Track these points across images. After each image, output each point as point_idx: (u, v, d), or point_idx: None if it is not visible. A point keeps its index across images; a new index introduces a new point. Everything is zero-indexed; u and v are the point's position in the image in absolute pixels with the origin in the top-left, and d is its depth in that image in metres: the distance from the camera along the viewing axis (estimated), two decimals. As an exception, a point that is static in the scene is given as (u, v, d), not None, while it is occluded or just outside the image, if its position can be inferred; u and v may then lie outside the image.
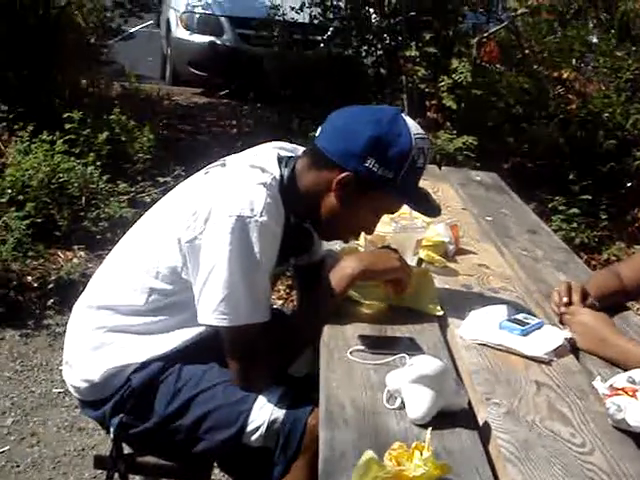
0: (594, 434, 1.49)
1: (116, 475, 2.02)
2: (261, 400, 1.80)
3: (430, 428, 1.32)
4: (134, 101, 6.93)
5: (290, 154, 1.95)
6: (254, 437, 1.80)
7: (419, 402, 1.43)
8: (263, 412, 1.79)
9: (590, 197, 5.43)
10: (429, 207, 1.95)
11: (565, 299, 1.97)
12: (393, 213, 2.02)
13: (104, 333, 1.92)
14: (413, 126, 1.84)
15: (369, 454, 1.20)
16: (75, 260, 4.45)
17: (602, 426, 1.52)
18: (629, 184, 5.79)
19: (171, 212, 1.90)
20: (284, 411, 1.78)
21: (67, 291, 3.98)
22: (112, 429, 1.92)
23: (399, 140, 1.80)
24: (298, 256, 2.10)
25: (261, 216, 1.73)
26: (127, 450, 2.01)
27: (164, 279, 1.85)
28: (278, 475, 1.82)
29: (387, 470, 1.18)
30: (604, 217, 5.47)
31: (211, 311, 1.75)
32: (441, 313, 1.97)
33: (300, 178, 1.88)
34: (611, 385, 1.57)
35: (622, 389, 1.54)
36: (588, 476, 1.34)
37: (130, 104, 6.52)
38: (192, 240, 1.77)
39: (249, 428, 1.80)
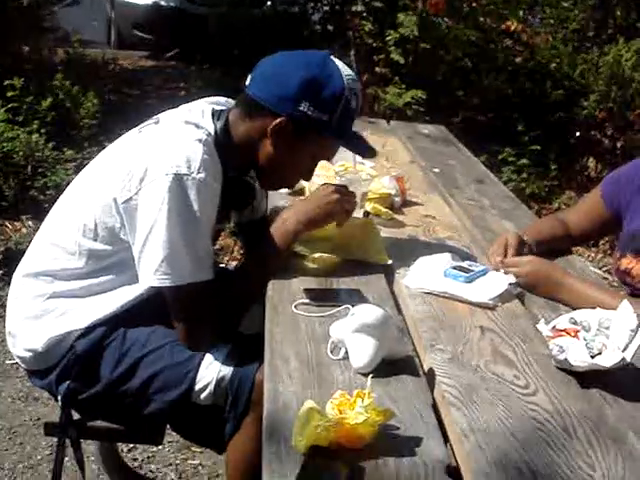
0: (537, 375, 1.50)
1: (68, 442, 2.00)
2: (208, 358, 1.80)
3: (371, 375, 1.32)
4: (79, 67, 6.79)
5: (224, 108, 1.92)
6: (203, 395, 1.79)
7: (362, 351, 1.43)
8: (210, 370, 1.79)
9: (539, 147, 5.49)
10: (364, 148, 1.98)
11: (499, 258, 1.98)
12: (330, 158, 2.00)
13: (44, 301, 1.89)
14: (343, 68, 1.84)
15: (309, 403, 1.19)
16: (24, 230, 4.38)
17: (545, 368, 1.53)
18: (577, 133, 5.85)
19: (105, 172, 1.86)
20: (231, 368, 1.78)
21: (16, 262, 3.87)
22: (60, 396, 1.90)
23: (331, 81, 1.80)
24: (240, 210, 2.08)
25: (198, 173, 1.70)
26: (77, 417, 1.99)
27: (102, 240, 1.82)
28: (230, 432, 1.82)
29: (328, 418, 1.17)
30: (554, 167, 5.54)
31: (152, 272, 1.72)
32: (390, 262, 1.97)
33: (234, 129, 1.86)
34: (554, 327, 1.59)
35: (564, 330, 1.56)
36: (531, 416, 1.36)
37: (75, 70, 6.39)
38: (128, 200, 1.74)
39: (197, 387, 1.79)
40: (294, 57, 1.86)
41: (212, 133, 1.82)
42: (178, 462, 2.78)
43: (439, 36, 5.62)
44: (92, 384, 1.88)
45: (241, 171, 1.94)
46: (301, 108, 1.78)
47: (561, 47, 6.15)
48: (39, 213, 4.57)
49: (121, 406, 1.90)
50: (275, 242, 1.88)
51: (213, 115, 1.87)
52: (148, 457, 2.79)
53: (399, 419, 1.29)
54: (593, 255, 4.79)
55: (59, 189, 4.56)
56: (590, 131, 5.83)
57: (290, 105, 1.78)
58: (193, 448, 2.80)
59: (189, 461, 2.79)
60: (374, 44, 5.46)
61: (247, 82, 1.86)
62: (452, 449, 1.30)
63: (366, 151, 2.00)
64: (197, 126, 1.81)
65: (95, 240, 1.83)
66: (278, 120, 1.79)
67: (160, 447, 2.77)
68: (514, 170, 5.32)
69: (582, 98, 5.81)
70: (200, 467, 2.77)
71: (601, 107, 5.73)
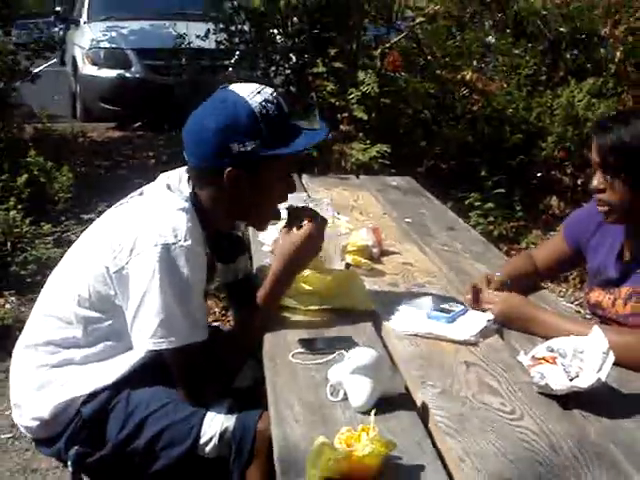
0: (522, 401, 1.63)
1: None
2: (211, 413, 1.88)
3: (374, 411, 1.44)
4: (48, 141, 6.91)
5: None
6: (208, 448, 1.87)
7: (360, 391, 1.55)
8: (214, 423, 1.87)
9: (503, 190, 5.65)
10: (314, 132, 2.05)
11: (469, 297, 2.11)
12: (293, 169, 2.04)
13: (48, 370, 1.97)
14: (243, 89, 1.89)
15: (320, 439, 1.30)
16: (7, 306, 4.43)
17: (529, 394, 1.66)
18: (539, 174, 6.05)
19: (97, 243, 1.95)
20: (234, 420, 1.86)
21: (2, 338, 3.95)
22: (69, 462, 1.96)
23: (239, 111, 1.86)
24: (234, 262, 2.18)
25: (185, 241, 1.81)
26: (87, 480, 2.06)
27: (97, 308, 1.91)
28: None
29: (338, 452, 1.28)
30: (518, 208, 5.70)
31: (149, 336, 1.81)
32: (373, 307, 2.09)
33: (201, 199, 1.96)
34: (533, 356, 1.71)
35: (543, 358, 1.68)
36: (520, 438, 1.48)
37: (45, 145, 6.49)
38: (119, 270, 1.84)
39: (202, 440, 1.87)
40: (200, 112, 1.94)
41: (190, 198, 1.94)
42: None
43: (398, 91, 5.82)
44: (100, 447, 1.95)
45: (224, 227, 2.06)
46: (234, 151, 1.86)
47: (516, 92, 6.37)
48: (21, 288, 4.63)
49: (129, 466, 1.96)
50: (265, 297, 1.99)
51: (188, 180, 1.98)
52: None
53: (400, 450, 1.40)
54: (564, 290, 4.94)
55: (40, 263, 4.63)
56: (550, 171, 6.03)
57: (223, 155, 1.87)
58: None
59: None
60: (337, 103, 5.62)
61: (185, 156, 1.97)
62: (450, 475, 1.41)
63: (318, 133, 2.07)
64: (179, 194, 1.93)
65: (90, 309, 1.92)
66: (225, 173, 1.88)
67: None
68: (481, 214, 5.48)
69: (540, 140, 6.00)
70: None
71: (559, 147, 5.93)
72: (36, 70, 9.31)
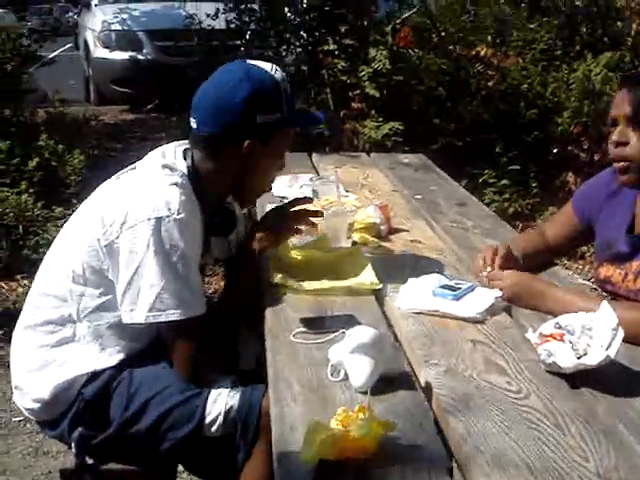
0: (529, 380, 1.58)
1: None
2: (214, 392, 1.87)
3: (369, 391, 1.40)
4: (61, 125, 6.90)
5: (189, 147, 2.03)
6: (214, 428, 1.86)
7: (360, 370, 1.51)
8: (218, 403, 1.85)
9: (518, 167, 5.58)
10: (317, 114, 2.24)
11: (489, 268, 2.05)
12: (290, 143, 2.08)
13: (47, 350, 1.96)
14: (264, 65, 1.96)
15: (315, 420, 1.27)
16: (20, 289, 4.43)
17: (536, 372, 1.61)
18: (555, 150, 5.96)
19: (88, 219, 1.94)
20: (238, 398, 1.85)
21: (15, 321, 3.93)
22: (73, 443, 1.95)
23: (265, 84, 1.91)
24: (227, 236, 2.16)
25: (179, 214, 1.81)
26: (91, 462, 2.04)
27: (91, 283, 1.90)
28: (241, 461, 1.88)
29: (334, 432, 1.25)
30: (534, 185, 5.63)
31: (146, 310, 1.80)
32: (380, 286, 2.04)
33: (202, 169, 1.96)
34: (540, 333, 1.66)
35: (551, 335, 1.64)
36: (525, 417, 1.43)
37: (57, 129, 6.49)
38: (110, 244, 1.83)
39: (207, 420, 1.86)
40: (220, 82, 1.96)
41: (185, 173, 1.93)
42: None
43: (411, 67, 5.74)
44: (104, 428, 1.94)
45: (219, 201, 2.06)
46: (258, 121, 1.90)
47: (531, 68, 6.28)
48: (34, 272, 4.56)
49: (134, 447, 1.95)
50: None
51: (184, 156, 1.98)
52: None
53: (401, 430, 1.36)
54: (581, 267, 4.88)
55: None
56: (567, 147, 5.94)
57: (247, 125, 1.90)
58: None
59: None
60: (348, 80, 5.56)
61: (193, 125, 1.96)
62: (453, 454, 1.37)
63: (320, 115, 2.23)
64: (172, 168, 1.92)
65: (85, 284, 1.91)
66: (246, 144, 1.90)
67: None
68: (496, 191, 5.42)
69: (556, 115, 5.92)
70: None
71: (575, 122, 5.84)
72: (51, 55, 9.34)
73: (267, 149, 1.95)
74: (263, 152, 1.94)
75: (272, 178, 2.10)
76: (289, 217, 2.08)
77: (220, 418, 1.85)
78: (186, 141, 2.05)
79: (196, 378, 1.90)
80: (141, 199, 1.84)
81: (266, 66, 1.96)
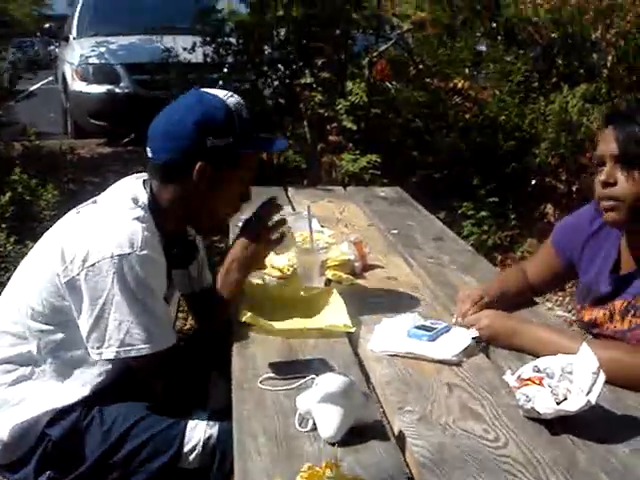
0: (507, 427, 1.51)
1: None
2: (192, 421, 1.85)
3: (337, 444, 1.32)
4: (37, 159, 6.82)
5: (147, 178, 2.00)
6: (191, 457, 1.84)
7: (329, 420, 1.43)
8: (197, 431, 1.84)
9: (497, 199, 5.56)
10: (278, 140, 2.27)
11: (459, 319, 2.00)
12: (253, 171, 2.03)
13: (4, 390, 1.90)
14: (217, 92, 1.96)
15: None
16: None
17: (514, 418, 1.54)
18: (533, 182, 5.95)
19: (47, 254, 1.87)
20: (217, 428, 1.84)
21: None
22: None
23: (217, 109, 1.89)
24: (186, 268, 2.11)
25: (141, 250, 1.77)
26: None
27: (50, 320, 1.85)
28: None
29: (298, 493, 1.17)
30: (513, 217, 5.62)
31: (116, 346, 1.76)
32: (353, 329, 1.97)
33: (160, 199, 1.93)
34: (519, 376, 1.59)
35: (529, 379, 1.57)
36: (503, 469, 1.36)
37: (33, 162, 6.41)
38: (71, 280, 1.78)
39: (186, 449, 1.83)
40: (173, 110, 1.94)
41: (146, 204, 1.90)
42: None
43: (388, 100, 5.74)
44: (75, 467, 1.87)
45: (178, 231, 2.02)
46: (208, 145, 1.87)
47: (508, 99, 6.29)
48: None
49: None
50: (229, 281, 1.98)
51: (144, 185, 1.95)
52: None
53: (371, 486, 1.29)
54: (561, 299, 4.84)
55: (23, 283, 4.53)
56: (545, 178, 5.94)
57: (198, 149, 1.87)
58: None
59: None
60: (326, 113, 5.55)
61: (149, 154, 1.93)
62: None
63: (281, 142, 2.30)
64: (135, 200, 1.88)
65: (44, 322, 1.86)
66: (197, 167, 1.87)
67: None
68: (474, 223, 5.39)
69: (533, 147, 5.93)
70: None
71: (553, 154, 5.85)
72: (32, 88, 9.29)
73: (220, 174, 1.91)
74: (216, 177, 1.90)
75: (234, 206, 2.03)
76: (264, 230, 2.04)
77: (199, 447, 1.83)
78: (144, 174, 2.01)
79: (171, 410, 1.88)
80: (103, 235, 1.78)
81: (219, 93, 1.95)
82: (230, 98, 1.93)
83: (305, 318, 2.00)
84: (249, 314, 1.97)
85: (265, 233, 2.02)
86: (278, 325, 1.96)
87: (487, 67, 6.91)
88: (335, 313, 2.02)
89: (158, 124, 1.93)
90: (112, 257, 1.74)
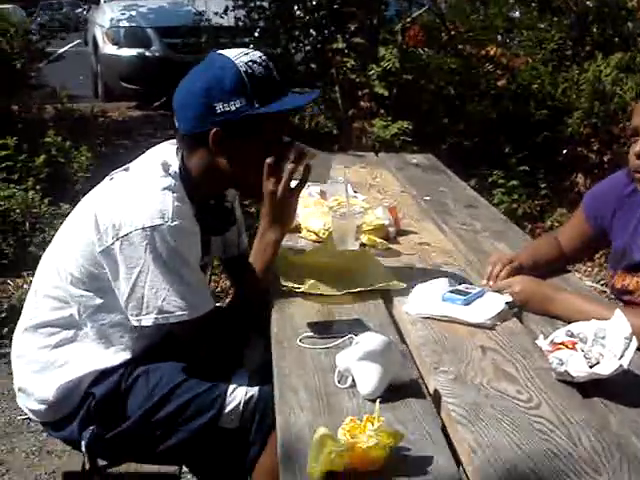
0: (540, 389, 1.54)
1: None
2: (233, 383, 1.89)
3: (379, 399, 1.37)
4: (69, 122, 6.89)
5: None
6: (231, 418, 1.87)
7: (368, 378, 1.48)
8: (238, 392, 1.87)
9: (527, 168, 5.55)
10: (303, 95, 2.15)
11: (491, 282, 2.03)
12: (283, 130, 1.94)
13: (48, 352, 1.95)
14: (232, 53, 1.86)
15: (321, 430, 1.24)
16: (26, 286, 4.41)
17: (547, 381, 1.57)
18: (564, 151, 5.92)
19: (83, 221, 1.89)
20: (257, 388, 1.86)
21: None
22: (84, 442, 1.92)
23: (224, 71, 1.82)
24: (222, 234, 2.12)
25: (173, 221, 1.77)
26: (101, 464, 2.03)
27: (90, 287, 1.88)
28: (254, 454, 1.88)
29: (341, 444, 1.22)
30: (543, 186, 5.60)
31: (155, 313, 1.79)
32: (405, 285, 2.00)
33: (190, 168, 1.92)
34: (552, 341, 1.63)
35: (562, 343, 1.60)
36: (536, 428, 1.40)
37: (65, 125, 6.49)
38: (106, 250, 1.80)
39: (227, 409, 1.87)
40: (187, 78, 1.90)
41: (178, 172, 1.89)
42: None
43: (420, 67, 5.71)
44: (119, 423, 1.92)
45: (215, 198, 2.01)
46: (218, 111, 1.82)
47: (541, 68, 6.24)
48: (40, 269, 4.62)
49: (147, 440, 1.93)
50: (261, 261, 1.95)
51: (177, 152, 1.94)
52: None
53: (409, 441, 1.33)
54: (589, 270, 4.84)
55: (58, 244, 4.61)
56: (576, 148, 5.90)
57: (208, 116, 1.83)
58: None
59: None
60: (357, 79, 5.54)
61: (176, 124, 1.93)
62: (462, 466, 1.34)
63: (306, 96, 2.22)
64: (166, 168, 1.88)
65: (83, 288, 1.89)
66: (211, 133, 1.83)
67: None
68: (505, 192, 5.38)
69: (566, 116, 5.88)
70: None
71: (585, 123, 5.80)
72: (61, 50, 9.33)
73: (243, 139, 1.85)
74: (239, 143, 1.85)
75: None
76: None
77: (240, 407, 1.86)
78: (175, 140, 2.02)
79: (212, 373, 1.91)
80: (134, 206, 1.79)
81: (233, 53, 1.85)
82: (242, 57, 1.83)
83: (344, 280, 2.02)
84: (312, 281, 1.96)
85: (285, 184, 1.89)
86: (323, 290, 1.97)
87: (520, 34, 6.85)
88: (380, 273, 2.06)
89: (178, 93, 1.90)
90: (144, 229, 1.75)
